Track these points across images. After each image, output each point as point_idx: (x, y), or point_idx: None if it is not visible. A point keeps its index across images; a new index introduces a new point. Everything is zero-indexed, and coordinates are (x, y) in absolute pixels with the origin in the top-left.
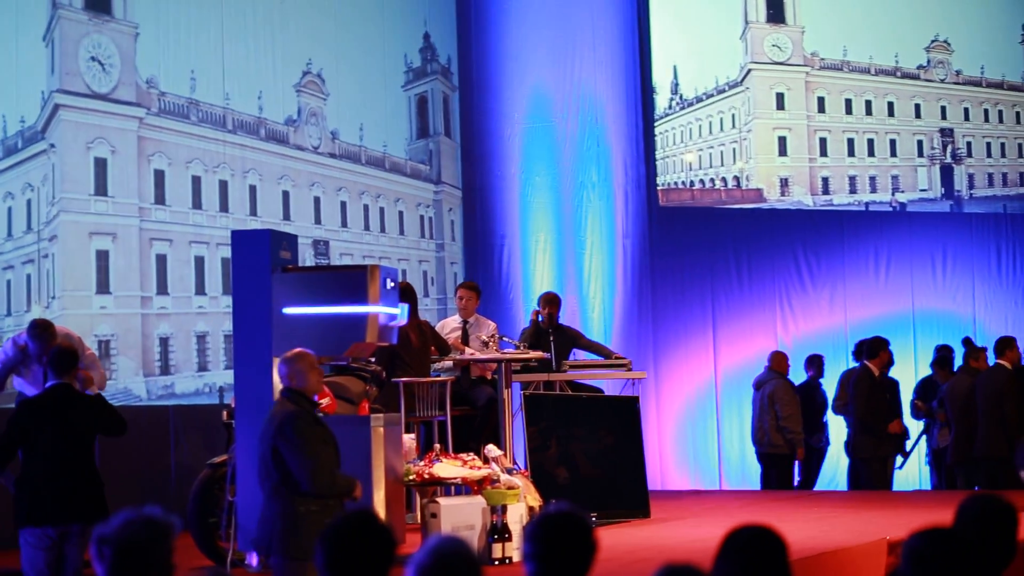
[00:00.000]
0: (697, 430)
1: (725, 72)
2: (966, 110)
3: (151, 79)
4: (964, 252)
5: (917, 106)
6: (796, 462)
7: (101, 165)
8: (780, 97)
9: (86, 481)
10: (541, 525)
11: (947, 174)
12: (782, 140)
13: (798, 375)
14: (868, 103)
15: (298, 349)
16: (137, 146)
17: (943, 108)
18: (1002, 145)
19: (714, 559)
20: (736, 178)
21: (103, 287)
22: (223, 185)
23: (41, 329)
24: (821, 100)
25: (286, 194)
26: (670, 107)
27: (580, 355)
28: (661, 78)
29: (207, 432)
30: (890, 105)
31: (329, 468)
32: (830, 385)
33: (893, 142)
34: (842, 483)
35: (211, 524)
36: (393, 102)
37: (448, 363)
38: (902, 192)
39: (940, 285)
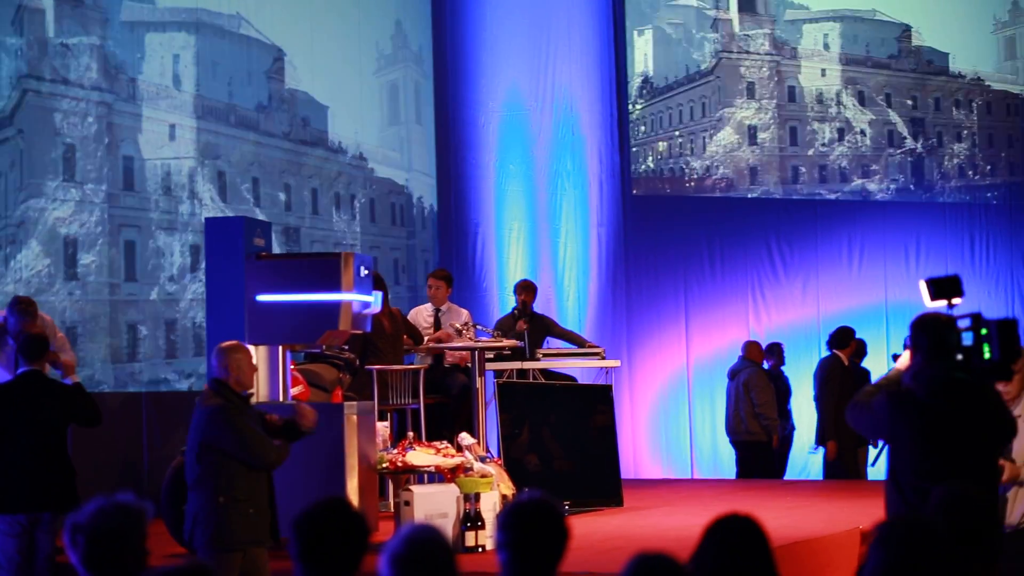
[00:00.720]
0: (670, 419)
1: (696, 61)
2: (937, 100)
3: (120, 65)
4: (937, 243)
5: (888, 95)
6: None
7: (70, 150)
8: (751, 86)
9: (57, 469)
10: (514, 514)
11: (919, 164)
12: (752, 129)
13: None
14: (838, 93)
15: (233, 341)
16: (107, 132)
17: (914, 98)
18: (973, 135)
19: (695, 548)
20: (707, 167)
21: (71, 274)
22: (192, 171)
23: (25, 305)
24: (792, 89)
25: (256, 180)
26: (640, 95)
27: (554, 343)
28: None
29: (180, 419)
30: (860, 94)
31: (266, 440)
32: (796, 374)
33: (863, 132)
34: (815, 473)
35: (184, 512)
36: (364, 89)
37: (421, 352)
38: (873, 182)
39: (913, 276)
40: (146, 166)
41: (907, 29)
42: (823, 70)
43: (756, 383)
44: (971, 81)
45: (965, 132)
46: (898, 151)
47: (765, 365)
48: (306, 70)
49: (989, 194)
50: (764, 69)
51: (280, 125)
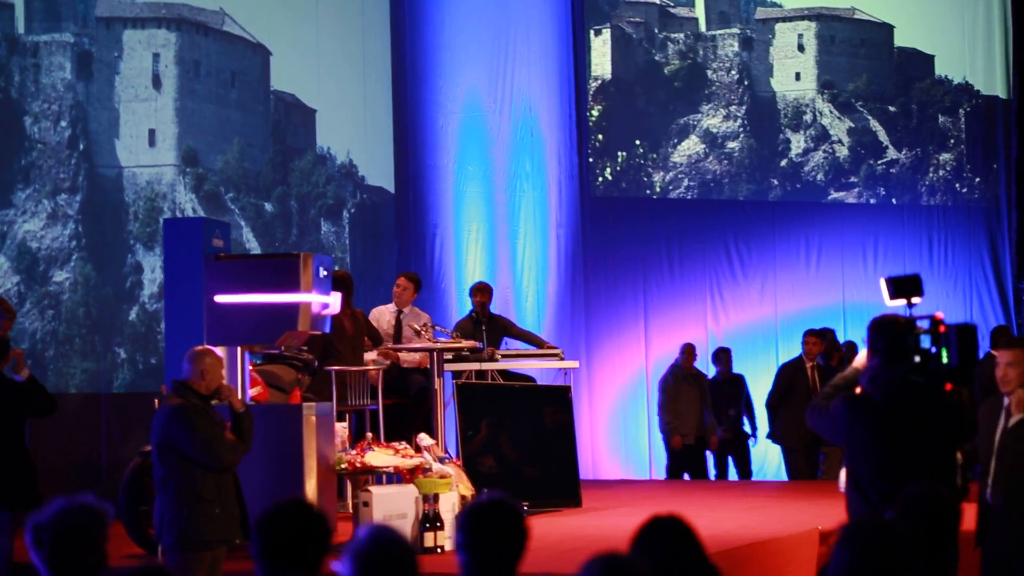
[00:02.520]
0: (629, 420)
1: (658, 63)
2: (922, 105)
3: (96, 64)
4: (895, 244)
5: (868, 101)
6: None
7: (41, 157)
8: (718, 91)
9: (15, 468)
10: (472, 514)
11: (902, 177)
12: (719, 138)
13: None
14: (814, 99)
15: (203, 346)
16: (82, 137)
17: (897, 103)
18: (962, 144)
19: (629, 550)
20: (670, 180)
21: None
22: (173, 181)
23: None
24: (763, 95)
25: (240, 189)
26: (597, 100)
27: (513, 344)
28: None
29: (139, 420)
30: (837, 100)
31: (224, 441)
32: (752, 373)
33: (840, 141)
34: (772, 474)
35: (142, 512)
36: (351, 92)
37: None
38: (852, 195)
39: (872, 276)
40: (124, 175)
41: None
42: (797, 73)
43: (662, 385)
44: (958, 86)
45: (952, 140)
46: (878, 162)
47: (713, 370)
48: (293, 71)
49: (947, 195)
50: (733, 72)
51: (266, 130)
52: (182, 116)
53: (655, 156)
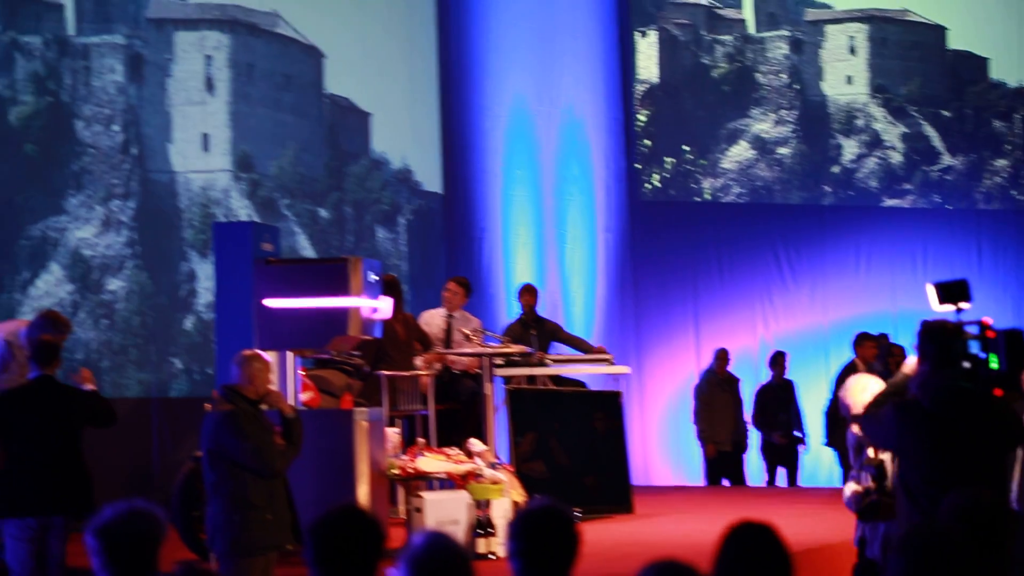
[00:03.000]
0: (680, 425)
1: (705, 66)
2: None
3: (148, 67)
4: (944, 250)
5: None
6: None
7: (93, 162)
8: (768, 95)
9: (70, 474)
10: (524, 521)
11: (957, 182)
12: (769, 143)
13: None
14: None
15: (251, 351)
16: (135, 142)
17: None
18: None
19: (714, 557)
20: (719, 188)
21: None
22: (227, 186)
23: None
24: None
25: (295, 195)
26: (644, 104)
27: (564, 349)
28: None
29: (190, 425)
30: (890, 104)
31: (274, 446)
32: (804, 380)
33: (893, 146)
34: (823, 481)
35: (195, 517)
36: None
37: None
38: (906, 202)
39: (922, 282)
40: (177, 180)
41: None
42: (849, 77)
43: (697, 392)
44: (1013, 90)
45: (1008, 146)
46: (933, 168)
47: (767, 374)
48: (348, 74)
49: (996, 200)
50: (783, 75)
51: (320, 134)
52: (236, 120)
53: (704, 162)
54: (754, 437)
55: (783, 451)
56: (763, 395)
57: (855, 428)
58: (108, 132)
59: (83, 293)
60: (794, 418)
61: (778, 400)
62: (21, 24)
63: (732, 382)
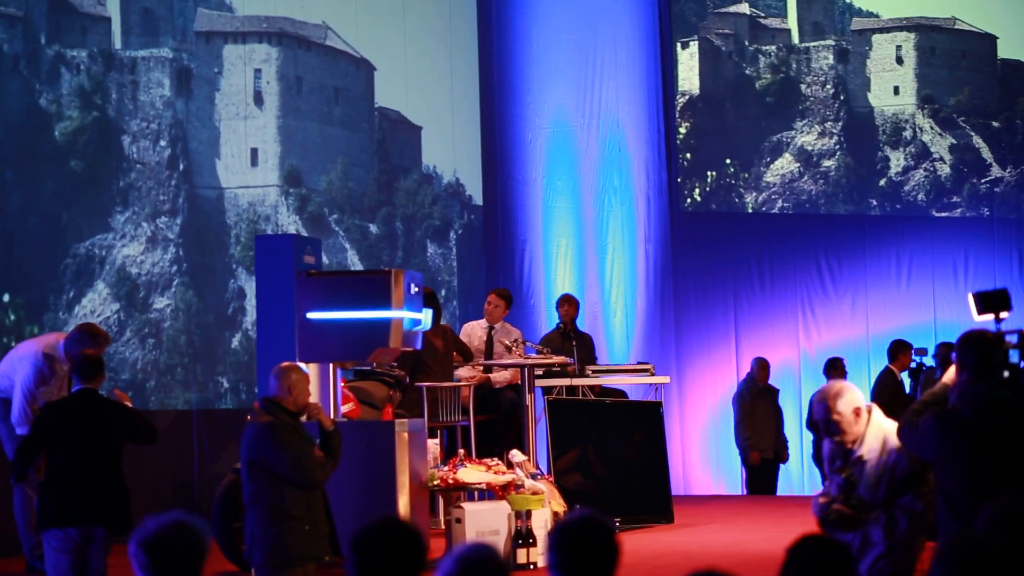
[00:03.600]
0: (720, 435)
1: (749, 77)
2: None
3: (195, 80)
4: (985, 259)
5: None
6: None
7: (140, 178)
8: (813, 107)
9: (111, 486)
10: (563, 532)
11: (1007, 195)
12: (814, 156)
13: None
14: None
15: (289, 363)
16: (182, 157)
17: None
18: None
19: (780, 570)
20: (763, 202)
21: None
22: (276, 202)
23: (93, 331)
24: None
25: (344, 210)
26: (684, 116)
27: (603, 359)
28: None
29: (230, 437)
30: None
31: (313, 458)
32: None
33: (942, 158)
34: None
35: (235, 529)
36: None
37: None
38: (956, 214)
39: (962, 293)
40: (225, 196)
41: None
42: (896, 87)
43: (738, 401)
44: None
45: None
46: (982, 180)
47: (824, 380)
48: (397, 86)
49: None
50: (828, 86)
51: (371, 148)
52: (284, 134)
53: (747, 175)
54: (794, 444)
55: None
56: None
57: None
58: (155, 147)
59: (129, 311)
60: None
61: None
62: (67, 38)
63: (772, 392)
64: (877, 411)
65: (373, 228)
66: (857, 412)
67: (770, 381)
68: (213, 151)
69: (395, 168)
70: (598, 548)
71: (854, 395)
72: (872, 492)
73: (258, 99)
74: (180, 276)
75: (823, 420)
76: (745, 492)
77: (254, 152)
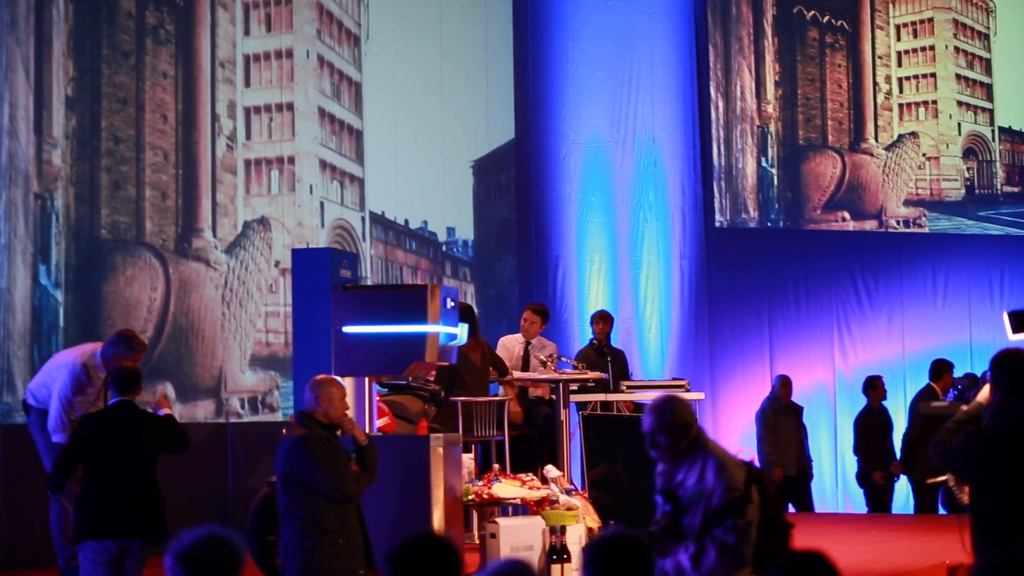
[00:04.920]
0: (755, 451)
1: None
2: None
3: None
4: (1021, 278)
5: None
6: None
7: None
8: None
9: (148, 498)
10: (597, 549)
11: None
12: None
13: (859, 400)
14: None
15: (324, 376)
16: None
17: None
18: None
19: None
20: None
21: None
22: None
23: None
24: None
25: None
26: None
27: (637, 375)
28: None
29: (265, 450)
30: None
31: (348, 472)
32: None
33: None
34: (899, 508)
35: (270, 543)
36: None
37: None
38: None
39: (997, 312)
40: None
41: None
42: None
43: (761, 418)
44: None
45: None
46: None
47: (864, 400)
48: (434, 102)
49: None
50: None
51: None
52: None
53: (789, 194)
54: (828, 462)
55: (882, 487)
56: (863, 423)
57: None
58: None
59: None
60: (891, 450)
61: (876, 427)
62: None
63: (795, 409)
64: (705, 434)
65: None
66: (684, 430)
67: (805, 399)
68: None
69: None
70: (631, 564)
71: (684, 411)
72: (691, 518)
73: None
74: None
75: (648, 434)
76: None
77: None
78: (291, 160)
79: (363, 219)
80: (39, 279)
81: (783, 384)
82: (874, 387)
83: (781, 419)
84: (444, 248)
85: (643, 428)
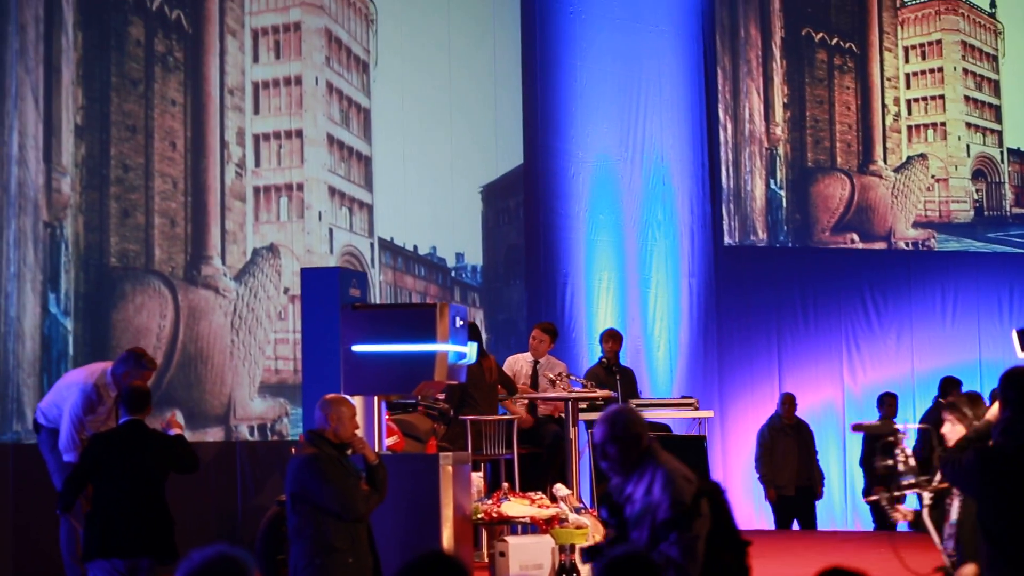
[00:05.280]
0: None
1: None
2: None
3: None
4: None
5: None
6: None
7: None
8: None
9: (157, 517)
10: (608, 568)
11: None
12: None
13: (868, 418)
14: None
15: (334, 395)
16: None
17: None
18: None
19: None
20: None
21: None
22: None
23: (139, 355)
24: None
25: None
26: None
27: (647, 393)
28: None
29: (274, 469)
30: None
31: (358, 491)
32: None
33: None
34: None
35: (279, 562)
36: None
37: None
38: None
39: (1006, 330)
40: None
41: None
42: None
43: (759, 437)
44: None
45: None
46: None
47: (876, 415)
48: (442, 119)
49: None
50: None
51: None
52: None
53: (798, 217)
54: (837, 480)
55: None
56: (871, 439)
57: None
58: None
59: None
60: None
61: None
62: None
63: (800, 427)
64: (657, 447)
65: None
66: (635, 441)
67: (813, 418)
68: None
69: None
70: None
71: (635, 422)
72: (639, 532)
73: None
74: None
75: (599, 444)
76: (775, 527)
77: None
78: (300, 187)
79: (372, 245)
80: (48, 307)
81: (786, 402)
82: (883, 404)
83: (779, 439)
84: (453, 274)
85: (594, 439)
